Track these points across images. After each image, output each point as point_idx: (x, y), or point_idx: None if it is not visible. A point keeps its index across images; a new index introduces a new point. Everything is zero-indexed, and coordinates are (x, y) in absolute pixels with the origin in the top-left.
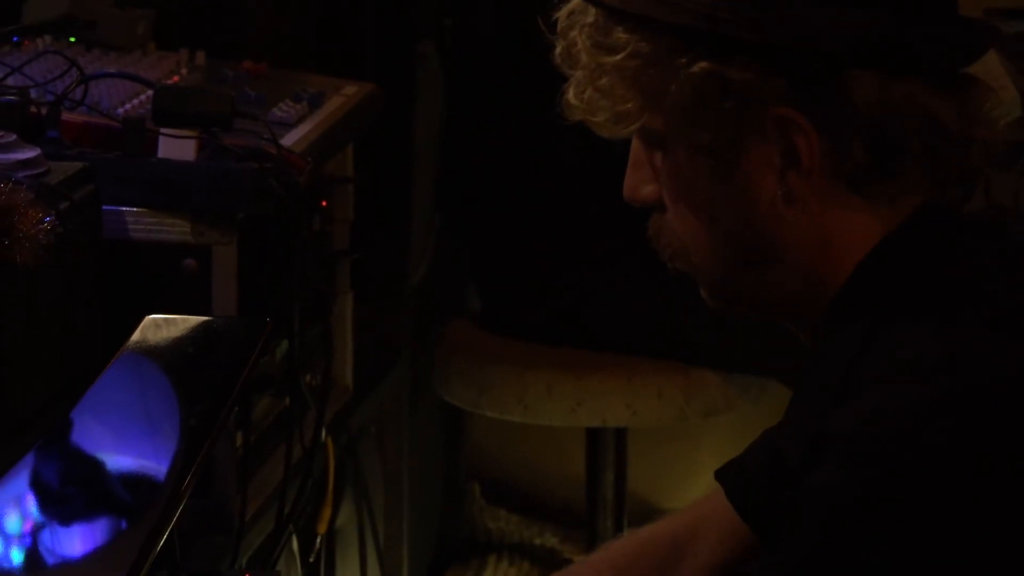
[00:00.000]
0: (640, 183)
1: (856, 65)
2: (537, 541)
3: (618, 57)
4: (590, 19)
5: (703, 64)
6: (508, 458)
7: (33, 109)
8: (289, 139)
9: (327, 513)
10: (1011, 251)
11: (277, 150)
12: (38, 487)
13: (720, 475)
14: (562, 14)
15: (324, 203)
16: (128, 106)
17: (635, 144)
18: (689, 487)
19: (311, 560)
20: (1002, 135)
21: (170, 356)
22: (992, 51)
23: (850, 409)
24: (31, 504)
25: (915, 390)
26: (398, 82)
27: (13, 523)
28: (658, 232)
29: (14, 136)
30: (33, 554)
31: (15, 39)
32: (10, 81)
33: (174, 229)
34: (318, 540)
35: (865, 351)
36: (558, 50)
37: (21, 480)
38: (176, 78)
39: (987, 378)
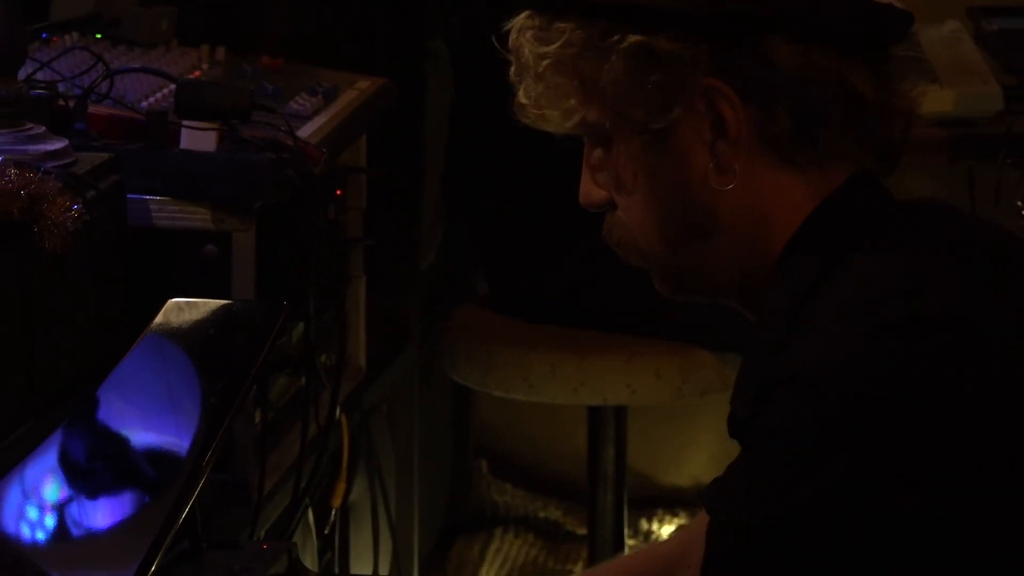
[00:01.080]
0: (592, 187)
1: (775, 32)
2: (541, 514)
3: (556, 46)
4: (534, 23)
5: (632, 38)
6: (513, 435)
7: (61, 102)
8: (305, 131)
9: (341, 487)
10: (934, 221)
11: (293, 141)
12: (66, 462)
13: (703, 493)
14: (513, 26)
15: (338, 192)
16: (152, 99)
17: (585, 148)
18: (685, 462)
19: (326, 532)
20: (919, 105)
21: (192, 338)
22: (976, 47)
23: (791, 354)
24: (60, 478)
25: (849, 329)
26: (409, 77)
27: (44, 496)
28: (610, 230)
29: (43, 128)
30: (62, 525)
31: (44, 36)
32: (39, 76)
33: (195, 217)
34: (333, 513)
35: (801, 307)
36: (512, 69)
37: (50, 455)
38: (197, 73)
39: (913, 312)
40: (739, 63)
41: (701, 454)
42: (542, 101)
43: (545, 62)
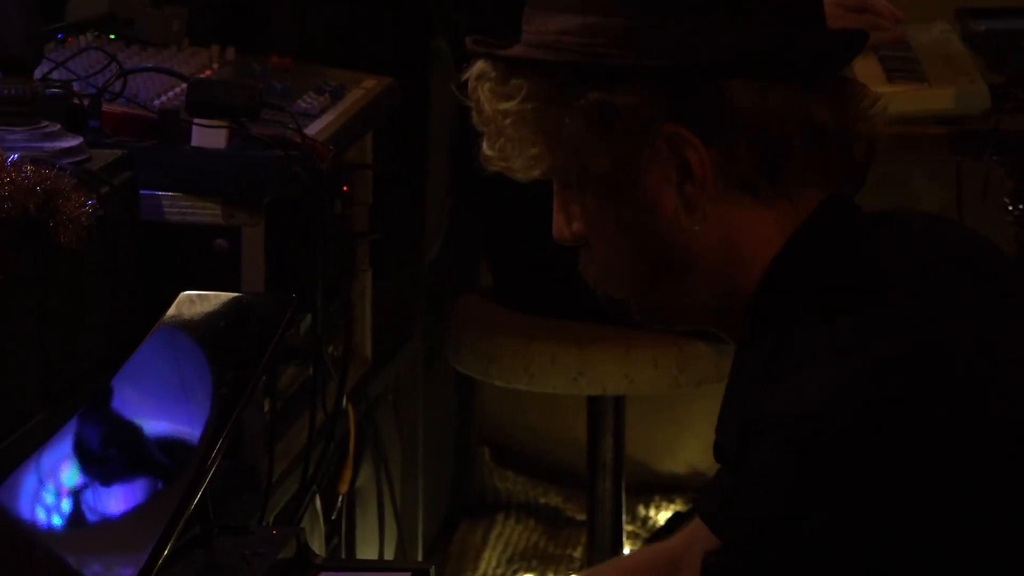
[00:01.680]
0: (563, 224)
1: (731, 75)
2: (542, 501)
3: (515, 102)
4: (492, 75)
5: (591, 95)
6: (515, 424)
7: (76, 101)
8: (312, 129)
9: (348, 474)
10: (906, 239)
11: (301, 139)
12: (82, 450)
13: (701, 495)
14: (471, 75)
15: (345, 188)
16: (164, 98)
17: (555, 186)
18: (681, 450)
19: (333, 518)
20: (883, 126)
21: (203, 329)
22: (964, 47)
23: (773, 396)
24: (76, 465)
25: (830, 368)
26: (413, 76)
27: (60, 483)
28: (586, 267)
29: (58, 126)
30: (77, 511)
31: (59, 36)
32: (55, 75)
33: (206, 212)
34: (339, 499)
35: (783, 344)
36: (473, 114)
37: (66, 443)
38: (208, 72)
39: (889, 354)
40: (698, 108)
41: (697, 442)
42: (506, 152)
43: (506, 119)
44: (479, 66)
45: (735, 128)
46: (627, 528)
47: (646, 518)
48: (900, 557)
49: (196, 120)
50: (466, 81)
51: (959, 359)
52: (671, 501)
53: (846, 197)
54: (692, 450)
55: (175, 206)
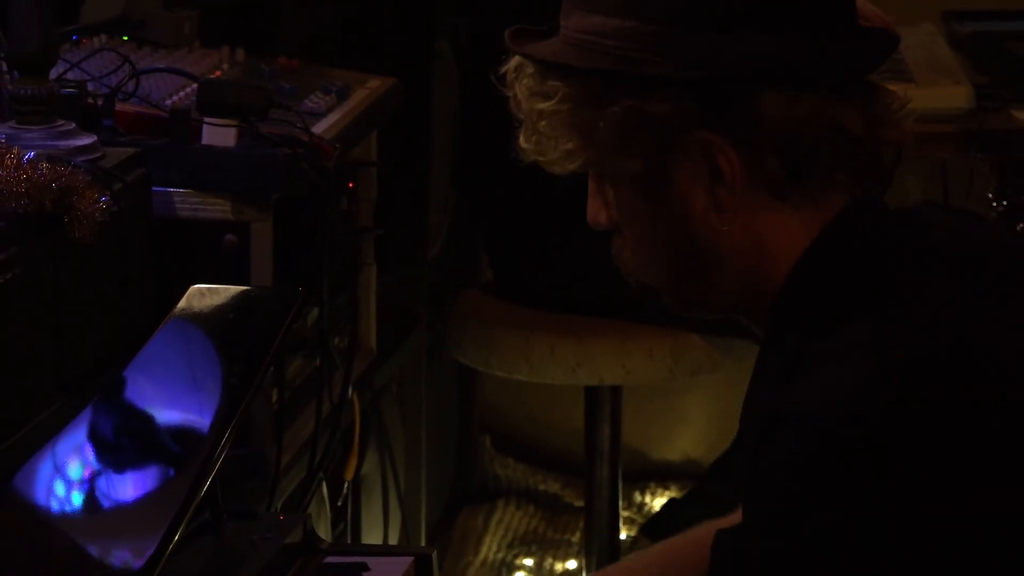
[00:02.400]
0: (598, 210)
1: (763, 87)
2: (541, 487)
3: (552, 103)
4: (529, 71)
5: (624, 102)
6: (515, 413)
7: (90, 100)
8: (319, 127)
9: (353, 462)
10: (930, 239)
11: (308, 137)
12: (95, 438)
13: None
14: (508, 69)
15: (351, 185)
16: (175, 98)
17: (591, 175)
18: (676, 438)
19: (339, 504)
20: (910, 131)
21: (213, 322)
22: (949, 49)
23: (797, 389)
24: (89, 453)
25: (853, 368)
26: (417, 76)
27: (74, 470)
28: (618, 253)
29: (73, 124)
30: (91, 497)
31: (74, 38)
32: (70, 75)
33: (216, 208)
34: (345, 486)
35: (808, 339)
36: (511, 104)
37: (80, 432)
38: (218, 72)
39: (910, 357)
40: (730, 117)
41: (691, 431)
42: (541, 147)
43: (542, 117)
44: (517, 60)
45: (765, 136)
46: (623, 514)
47: (642, 504)
48: (910, 555)
49: (206, 119)
50: (504, 72)
51: (981, 363)
52: (666, 488)
53: (871, 198)
54: (687, 439)
55: (186, 202)
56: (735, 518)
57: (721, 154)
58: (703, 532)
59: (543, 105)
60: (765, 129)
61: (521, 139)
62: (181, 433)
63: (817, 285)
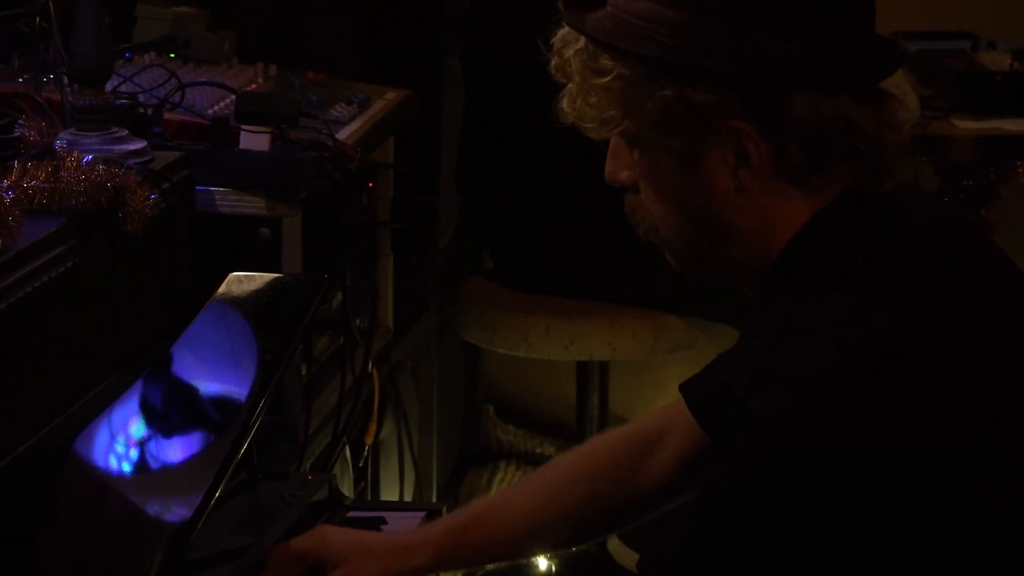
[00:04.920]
0: (617, 169)
1: (793, 87)
2: (538, 450)
3: (606, 79)
4: (580, 44)
5: (674, 88)
6: (515, 385)
7: (141, 110)
8: (343, 134)
9: (373, 428)
10: (912, 221)
11: (333, 142)
12: (146, 407)
13: (683, 388)
14: (557, 37)
15: (370, 184)
16: (216, 108)
17: (614, 138)
18: (656, 407)
19: (360, 465)
20: (907, 135)
21: (248, 304)
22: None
23: (786, 350)
24: (141, 419)
25: (839, 334)
26: (429, 89)
27: (127, 434)
28: (633, 210)
29: (126, 131)
30: (142, 458)
31: (127, 55)
32: (123, 88)
33: (252, 205)
34: (366, 449)
35: (797, 305)
36: (553, 63)
37: (133, 401)
38: (254, 86)
39: (893, 326)
40: (764, 111)
41: (670, 400)
42: (583, 113)
43: (591, 90)
44: (567, 29)
45: (792, 130)
46: None
47: None
48: (882, 502)
49: (243, 126)
50: (553, 41)
51: (953, 334)
52: None
53: (864, 189)
54: None
55: (225, 200)
56: (660, 415)
57: (751, 142)
58: (614, 435)
59: (598, 80)
60: (793, 124)
61: (564, 103)
62: (221, 402)
63: (810, 259)
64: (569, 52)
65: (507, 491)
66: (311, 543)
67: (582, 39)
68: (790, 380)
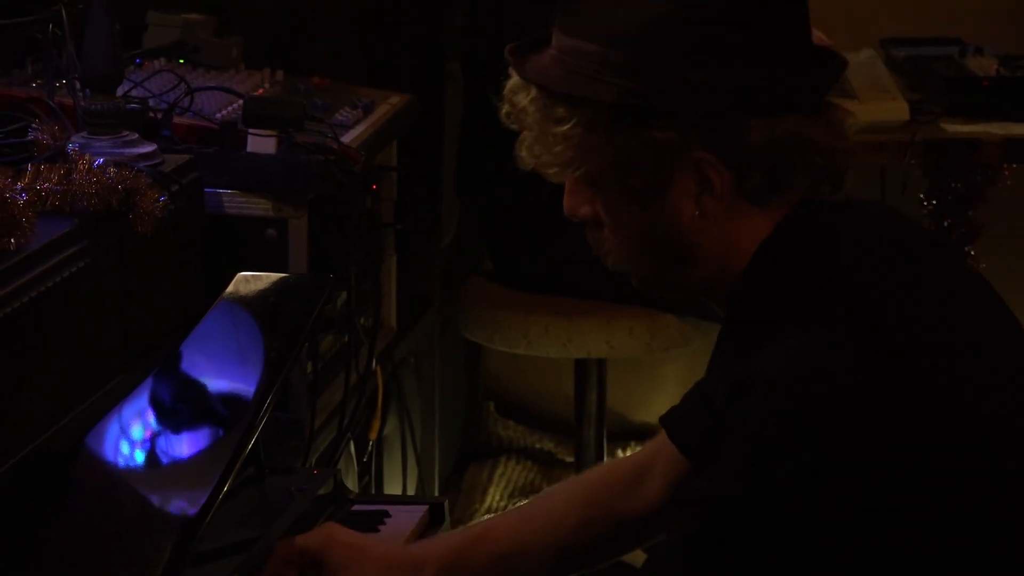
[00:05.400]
0: (577, 205)
1: (748, 112)
2: (537, 445)
3: (565, 127)
4: (533, 93)
5: (632, 128)
6: (515, 381)
7: (151, 114)
8: (347, 137)
9: (376, 424)
10: (865, 225)
11: (338, 146)
12: (155, 403)
13: (663, 419)
14: (507, 86)
15: (374, 186)
16: (224, 112)
17: (569, 176)
18: (653, 403)
19: (364, 460)
20: (854, 140)
21: (256, 304)
22: (887, 70)
23: (762, 356)
24: (150, 416)
25: (812, 337)
26: (431, 93)
27: (137, 430)
28: (598, 244)
29: (136, 135)
30: (152, 453)
31: (137, 61)
32: (134, 93)
33: (259, 206)
34: (370, 445)
35: (768, 314)
36: (504, 111)
37: (143, 398)
38: (261, 90)
39: (864, 322)
40: (722, 140)
41: (665, 397)
42: (544, 160)
43: (550, 138)
44: (519, 79)
45: (751, 154)
46: None
47: None
48: (872, 492)
49: (251, 130)
50: (502, 84)
51: (917, 327)
52: (644, 446)
53: (820, 197)
54: (662, 403)
55: (233, 201)
56: (650, 448)
57: (713, 170)
58: (607, 467)
59: (556, 129)
60: (752, 148)
61: (523, 151)
62: (229, 399)
63: (776, 269)
64: (522, 100)
65: (505, 514)
66: (316, 542)
67: (533, 88)
68: (769, 384)
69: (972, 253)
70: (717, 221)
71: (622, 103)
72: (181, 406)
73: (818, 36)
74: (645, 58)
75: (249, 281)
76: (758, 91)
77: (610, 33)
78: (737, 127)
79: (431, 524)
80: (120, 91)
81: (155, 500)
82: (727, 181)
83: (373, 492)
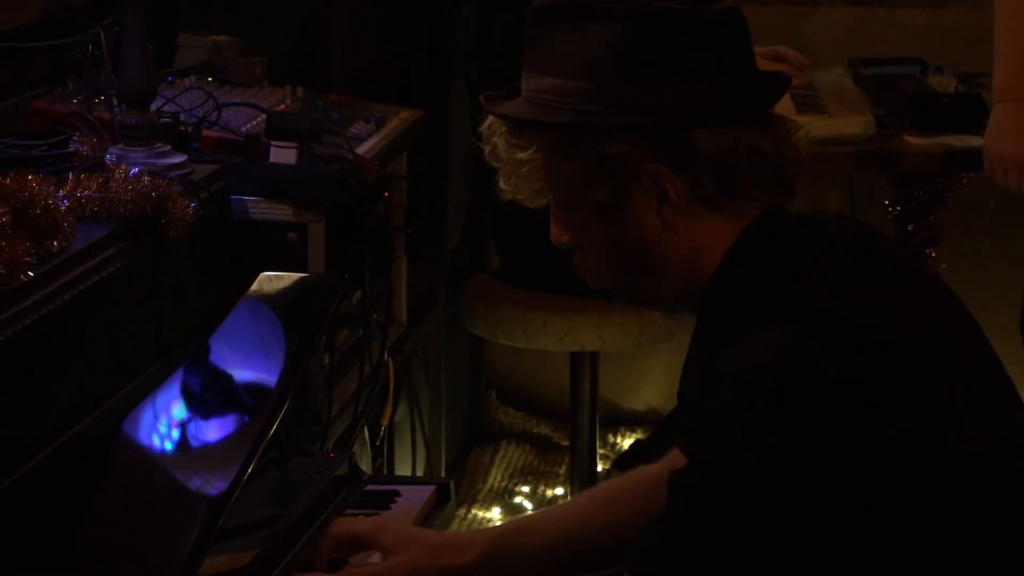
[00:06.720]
0: (560, 233)
1: (696, 125)
2: (535, 430)
3: (528, 153)
4: (503, 128)
5: (588, 147)
6: (515, 372)
7: (182, 128)
8: (361, 149)
9: (388, 411)
10: (825, 234)
11: (353, 156)
12: (185, 392)
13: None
14: (484, 126)
15: (386, 194)
16: (249, 126)
17: (552, 206)
18: (641, 392)
19: (377, 444)
20: (804, 151)
21: (277, 301)
22: (855, 87)
23: (730, 354)
24: (180, 404)
25: (774, 333)
26: (438, 108)
27: (169, 417)
28: (582, 267)
29: (169, 147)
30: (183, 438)
31: (169, 79)
32: (166, 108)
33: (281, 212)
34: (382, 430)
35: (735, 314)
36: (486, 151)
37: (174, 388)
38: (283, 106)
39: (821, 322)
40: (673, 151)
41: (653, 386)
42: (518, 187)
43: (520, 165)
44: (491, 119)
45: (701, 163)
46: (600, 452)
47: (615, 444)
48: (832, 479)
49: (273, 142)
50: (481, 130)
51: (873, 327)
52: (633, 431)
53: (779, 206)
54: (649, 393)
55: (257, 208)
56: (671, 460)
57: (668, 181)
58: (635, 475)
59: (521, 155)
60: (701, 157)
61: (501, 183)
62: (253, 388)
63: (741, 273)
64: (496, 139)
65: (549, 509)
66: (368, 526)
67: (503, 126)
68: (734, 378)
69: (934, 255)
70: (679, 231)
71: (577, 123)
72: (209, 395)
73: (794, 55)
74: (597, 83)
75: (271, 280)
76: (703, 104)
77: (567, 66)
78: (685, 138)
79: (438, 502)
80: (154, 106)
81: (185, 480)
82: (681, 191)
83: (385, 473)
